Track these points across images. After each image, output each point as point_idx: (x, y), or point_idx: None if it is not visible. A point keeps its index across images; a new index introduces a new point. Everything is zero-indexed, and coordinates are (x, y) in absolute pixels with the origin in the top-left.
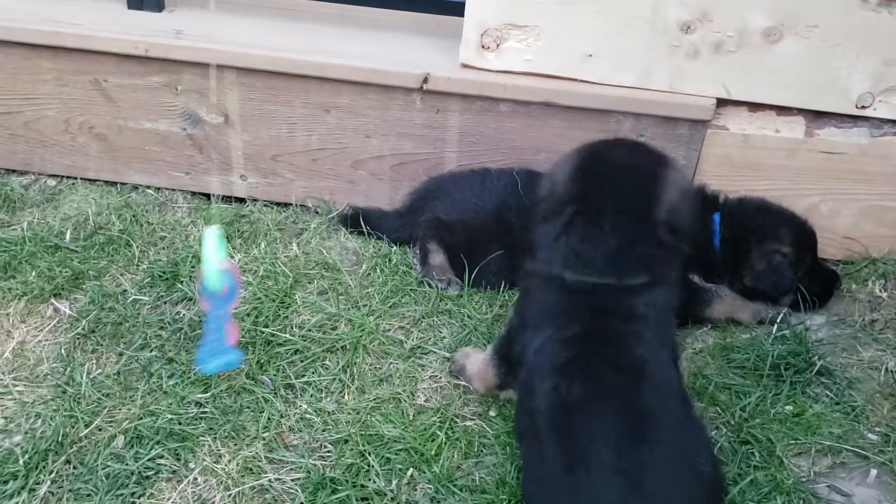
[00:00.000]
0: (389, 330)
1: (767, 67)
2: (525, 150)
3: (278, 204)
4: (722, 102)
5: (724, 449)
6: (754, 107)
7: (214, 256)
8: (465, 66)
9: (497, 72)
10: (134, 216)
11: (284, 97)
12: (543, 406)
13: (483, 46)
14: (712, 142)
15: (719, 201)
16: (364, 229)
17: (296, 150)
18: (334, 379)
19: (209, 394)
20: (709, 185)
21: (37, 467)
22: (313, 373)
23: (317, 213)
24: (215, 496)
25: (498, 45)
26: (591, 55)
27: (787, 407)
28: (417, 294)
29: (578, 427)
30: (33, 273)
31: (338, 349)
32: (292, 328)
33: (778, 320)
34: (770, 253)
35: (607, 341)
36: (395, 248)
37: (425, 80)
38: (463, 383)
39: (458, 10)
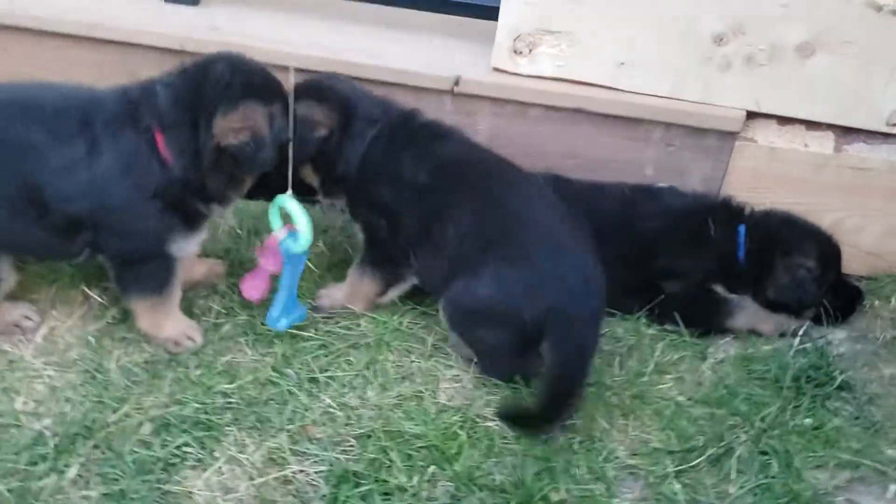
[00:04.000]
0: (412, 329)
1: (799, 82)
2: (554, 155)
3: (304, 200)
4: (751, 115)
5: (742, 458)
6: (784, 120)
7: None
8: (496, 70)
9: (528, 77)
10: None
11: None
12: None
13: (515, 51)
14: (740, 154)
15: (745, 213)
16: None
17: None
18: (357, 375)
19: (235, 385)
20: (735, 196)
21: (66, 450)
22: (337, 368)
23: (342, 211)
24: (240, 485)
25: (530, 51)
26: (623, 63)
27: (807, 420)
28: None
29: None
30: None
31: (361, 346)
32: (317, 323)
33: (800, 333)
34: (794, 266)
35: None
36: None
37: (456, 83)
38: (485, 383)
39: (491, 14)
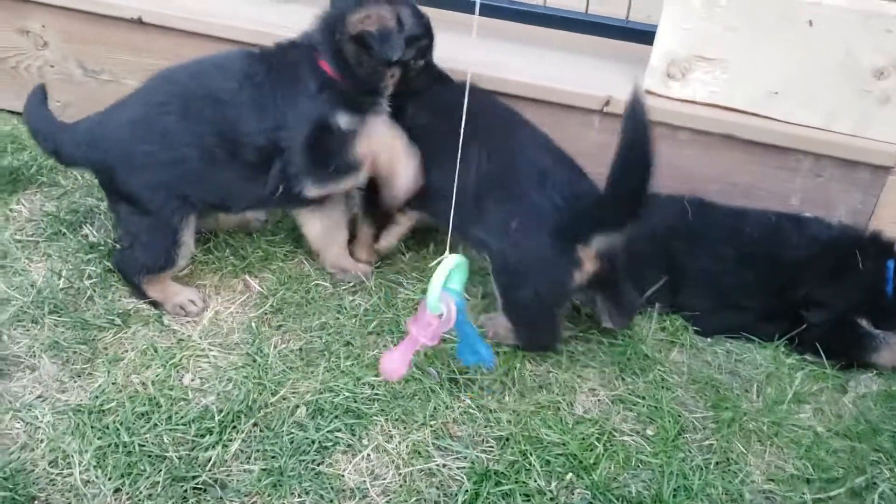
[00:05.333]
0: None
1: None
2: (698, 179)
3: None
4: None
5: (885, 495)
6: None
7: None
8: (648, 92)
9: (680, 101)
10: None
11: None
12: None
13: (669, 75)
14: (893, 189)
15: (894, 249)
16: None
17: None
18: (496, 380)
19: (382, 378)
20: (884, 231)
21: (229, 426)
22: (476, 371)
23: None
24: (387, 473)
25: (684, 75)
26: (776, 93)
27: None
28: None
29: None
30: (227, 250)
31: (499, 352)
32: None
33: None
34: None
35: None
36: None
37: (607, 103)
38: (622, 399)
39: (643, 38)
